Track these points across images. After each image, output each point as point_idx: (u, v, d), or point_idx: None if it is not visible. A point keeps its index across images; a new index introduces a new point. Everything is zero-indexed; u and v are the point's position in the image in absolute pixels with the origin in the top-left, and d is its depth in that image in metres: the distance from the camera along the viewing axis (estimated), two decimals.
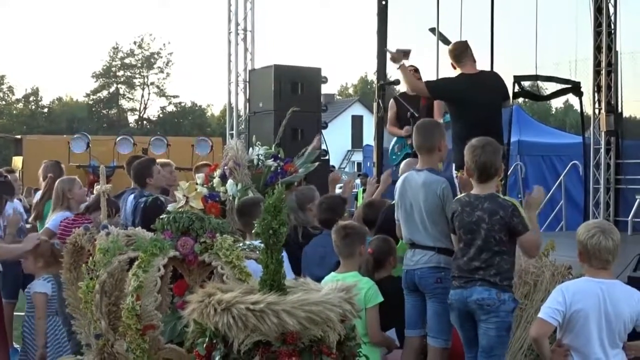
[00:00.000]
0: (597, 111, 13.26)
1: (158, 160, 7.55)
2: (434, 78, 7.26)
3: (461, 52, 6.62)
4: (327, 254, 5.55)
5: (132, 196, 6.78)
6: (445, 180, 5.08)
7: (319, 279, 4.61)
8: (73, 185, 6.87)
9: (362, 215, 6.32)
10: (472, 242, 4.60)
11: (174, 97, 60.42)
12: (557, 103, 58.20)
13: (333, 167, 10.50)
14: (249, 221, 5.48)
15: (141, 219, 6.16)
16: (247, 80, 11.79)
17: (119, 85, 60.37)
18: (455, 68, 6.60)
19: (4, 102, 58.03)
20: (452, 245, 4.90)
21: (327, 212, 5.96)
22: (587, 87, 12.88)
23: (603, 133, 13.13)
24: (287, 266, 3.79)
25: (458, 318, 4.73)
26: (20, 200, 8.55)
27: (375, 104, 12.53)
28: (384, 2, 12.45)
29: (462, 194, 4.84)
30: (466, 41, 6.90)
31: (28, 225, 7.80)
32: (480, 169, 4.64)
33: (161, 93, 60.34)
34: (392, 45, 8.49)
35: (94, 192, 6.05)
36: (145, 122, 60.45)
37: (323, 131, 10.15)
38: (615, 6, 13.11)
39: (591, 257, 4.03)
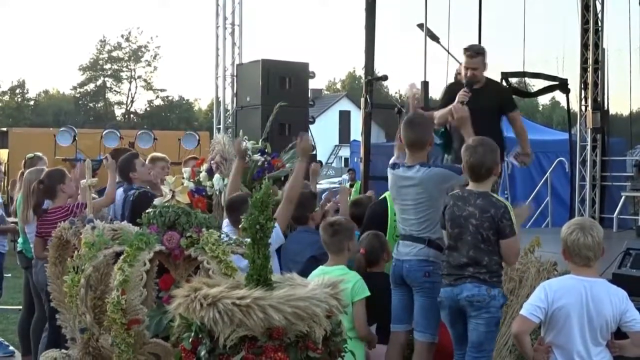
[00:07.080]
0: (583, 108, 13.32)
1: (153, 154, 7.53)
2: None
3: None
4: (300, 250, 5.55)
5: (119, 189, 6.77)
6: (440, 170, 5.09)
7: None
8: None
9: (350, 213, 6.30)
10: (459, 237, 4.60)
11: (161, 90, 60.36)
12: (544, 100, 58.37)
13: (320, 162, 10.49)
14: (237, 218, 5.46)
15: (130, 211, 6.18)
16: (235, 74, 11.78)
17: (106, 79, 60.11)
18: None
19: None
20: (442, 240, 4.89)
21: (298, 208, 5.90)
22: (574, 84, 12.94)
23: (589, 130, 13.19)
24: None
25: (449, 316, 4.71)
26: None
27: (362, 100, 12.51)
28: None
29: (457, 189, 4.84)
30: None
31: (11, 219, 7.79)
32: (471, 169, 4.65)
33: (148, 87, 60.21)
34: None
35: (80, 185, 6.03)
36: (132, 115, 60.27)
37: (310, 126, 10.16)
38: (602, 3, 13.17)
39: (572, 254, 4.06)
